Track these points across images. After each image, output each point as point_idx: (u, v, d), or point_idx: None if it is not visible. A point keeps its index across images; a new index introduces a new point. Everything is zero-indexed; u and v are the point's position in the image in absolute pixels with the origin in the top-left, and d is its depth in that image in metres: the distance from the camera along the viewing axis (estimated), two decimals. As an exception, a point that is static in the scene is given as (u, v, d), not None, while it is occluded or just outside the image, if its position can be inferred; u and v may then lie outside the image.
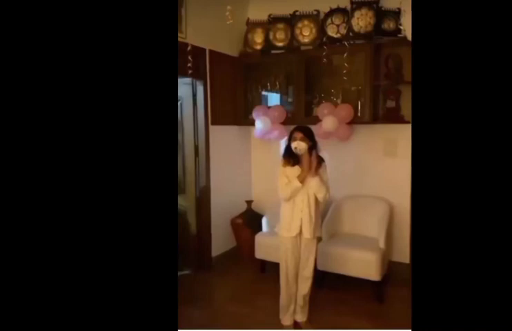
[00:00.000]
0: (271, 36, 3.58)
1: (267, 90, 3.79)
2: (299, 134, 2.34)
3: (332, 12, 3.36)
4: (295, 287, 2.48)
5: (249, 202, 3.88)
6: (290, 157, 2.39)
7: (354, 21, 3.24)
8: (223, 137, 3.62)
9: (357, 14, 3.23)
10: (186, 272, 3.41)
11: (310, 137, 2.37)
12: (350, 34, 3.25)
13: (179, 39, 2.98)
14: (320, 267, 2.98)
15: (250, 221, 3.70)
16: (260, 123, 3.47)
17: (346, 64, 3.20)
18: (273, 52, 3.59)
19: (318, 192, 2.35)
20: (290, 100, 3.65)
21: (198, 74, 3.28)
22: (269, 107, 3.59)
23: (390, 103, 3.25)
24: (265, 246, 3.32)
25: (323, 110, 3.26)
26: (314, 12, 3.45)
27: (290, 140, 2.40)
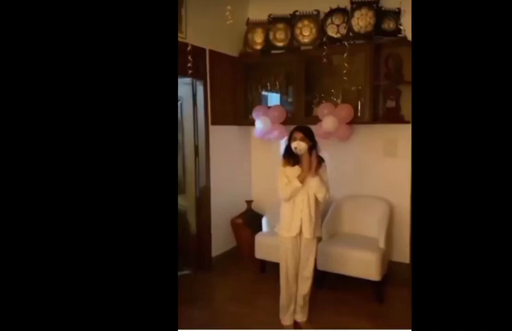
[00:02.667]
0: (271, 36, 3.58)
1: (267, 90, 3.79)
2: (299, 134, 2.34)
3: (332, 12, 3.36)
4: (295, 287, 2.48)
5: (249, 202, 3.88)
6: (290, 157, 2.39)
7: (354, 21, 3.24)
8: (223, 137, 3.62)
9: (357, 14, 3.23)
10: (186, 272, 3.41)
11: (310, 137, 2.37)
12: (350, 34, 3.25)
13: (179, 39, 2.98)
14: (320, 267, 2.98)
15: (250, 220, 3.70)
16: (260, 123, 3.47)
17: (345, 64, 3.20)
18: (273, 52, 3.59)
19: (318, 192, 2.35)
20: (290, 100, 3.65)
21: (198, 74, 3.28)
22: (269, 107, 3.59)
23: (390, 103, 3.25)
24: (265, 246, 3.32)
25: (323, 110, 3.26)
26: (314, 12, 3.45)
27: (290, 140, 2.40)
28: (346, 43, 3.18)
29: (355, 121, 3.26)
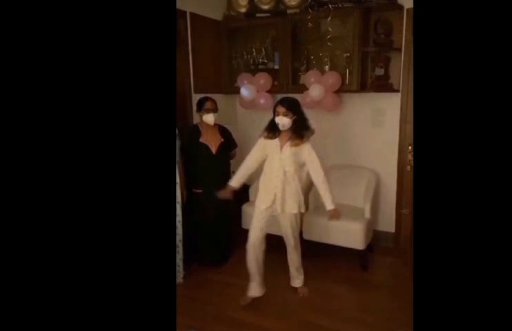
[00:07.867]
0: (256, -2, 3.39)
1: (252, 57, 3.63)
2: (281, 109, 2.27)
3: (320, -27, 3.17)
4: (261, 256, 2.46)
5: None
6: (272, 131, 2.35)
7: (343, -17, 3.07)
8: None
9: (345, -25, 3.06)
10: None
11: (294, 110, 2.29)
12: (339, -4, 3.09)
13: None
14: (306, 237, 3.00)
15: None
16: (245, 91, 3.35)
17: (329, 29, 3.08)
18: (258, 15, 3.41)
19: (313, 176, 2.36)
20: (276, 67, 3.50)
21: (178, 39, 3.11)
22: (254, 75, 3.45)
23: (379, 71, 3.15)
24: (250, 216, 3.29)
25: (309, 78, 3.16)
26: (302, -28, 3.25)
27: (274, 114, 2.33)
28: (330, 6, 3.03)
29: (342, 89, 3.17)
